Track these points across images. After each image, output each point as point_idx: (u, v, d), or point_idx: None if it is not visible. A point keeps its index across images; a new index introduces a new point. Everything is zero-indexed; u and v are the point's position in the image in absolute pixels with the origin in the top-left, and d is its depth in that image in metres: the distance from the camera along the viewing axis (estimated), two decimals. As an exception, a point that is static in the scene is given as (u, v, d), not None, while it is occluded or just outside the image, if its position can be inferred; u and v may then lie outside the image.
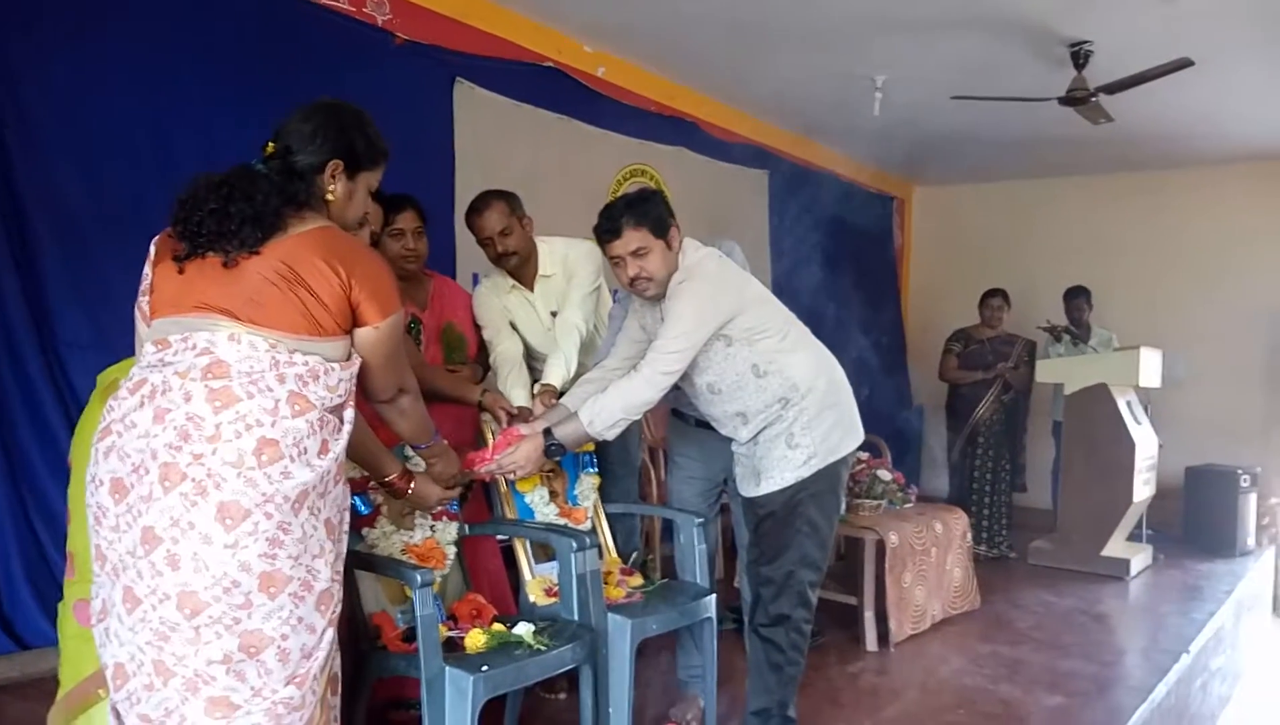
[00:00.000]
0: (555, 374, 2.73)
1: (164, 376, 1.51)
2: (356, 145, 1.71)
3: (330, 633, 1.59)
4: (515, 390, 2.74)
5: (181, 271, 1.58)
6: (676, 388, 2.40)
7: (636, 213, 2.34)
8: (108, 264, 2.92)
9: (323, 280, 1.57)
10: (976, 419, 5.55)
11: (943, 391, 6.05)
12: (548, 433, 2.37)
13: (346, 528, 1.68)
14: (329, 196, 1.69)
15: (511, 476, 2.44)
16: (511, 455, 2.36)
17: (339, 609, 1.62)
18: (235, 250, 1.55)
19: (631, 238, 2.34)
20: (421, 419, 1.96)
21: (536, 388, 2.72)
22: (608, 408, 2.32)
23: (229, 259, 1.55)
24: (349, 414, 1.65)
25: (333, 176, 1.69)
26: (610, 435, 2.37)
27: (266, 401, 1.50)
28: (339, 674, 1.72)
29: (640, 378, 2.33)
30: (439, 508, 2.30)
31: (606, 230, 2.37)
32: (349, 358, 1.65)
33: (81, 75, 2.94)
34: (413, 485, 2.08)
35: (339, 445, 1.60)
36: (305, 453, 1.53)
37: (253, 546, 1.46)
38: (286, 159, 1.66)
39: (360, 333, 1.66)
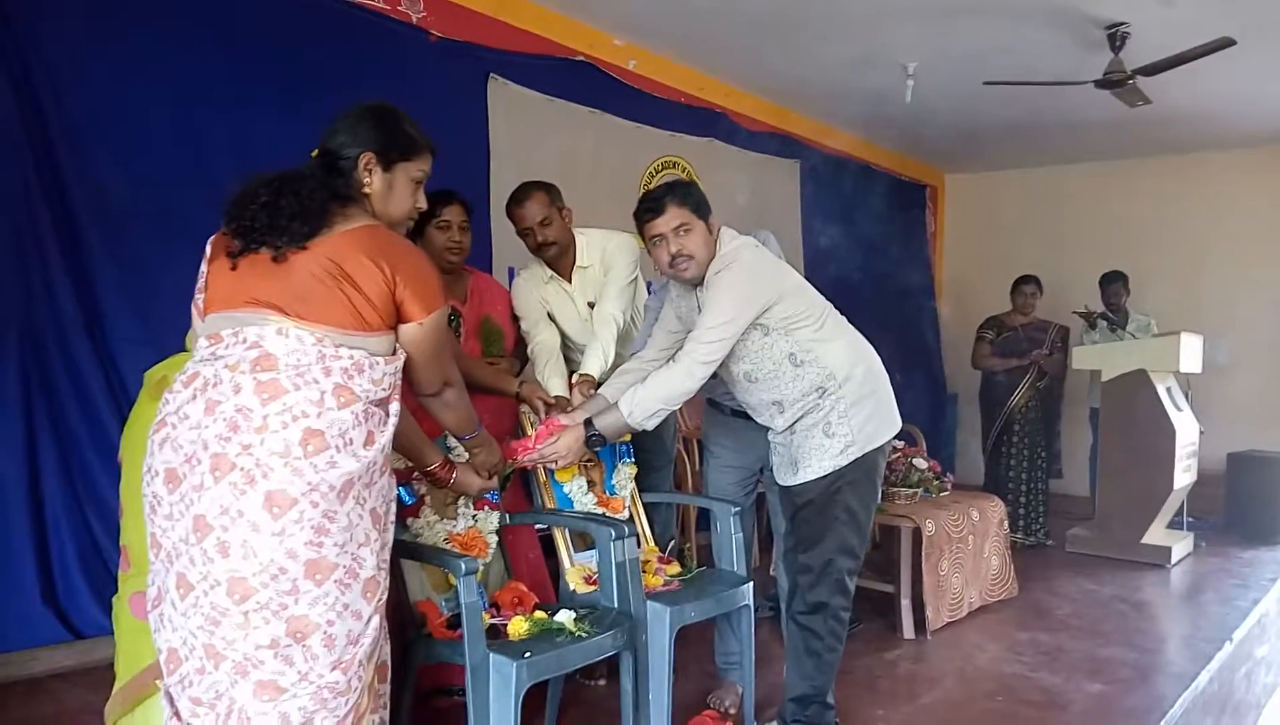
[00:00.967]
0: (593, 364, 2.77)
1: (215, 370, 1.57)
2: (386, 137, 1.75)
3: (377, 619, 1.63)
4: (553, 380, 2.77)
5: (234, 268, 1.63)
6: (713, 377, 2.42)
7: (679, 194, 2.40)
8: (152, 261, 3.00)
9: (368, 277, 1.61)
10: (1012, 406, 5.51)
11: (976, 380, 6.01)
12: (588, 423, 2.40)
13: (393, 518, 1.72)
14: (366, 189, 1.73)
15: (553, 466, 2.49)
16: (553, 445, 2.40)
17: (385, 597, 1.66)
18: (285, 245, 1.60)
19: (675, 215, 2.38)
20: (466, 411, 2.01)
21: (574, 377, 2.76)
22: (647, 398, 2.35)
23: (279, 254, 1.60)
24: (394, 407, 1.69)
25: (367, 169, 1.73)
26: (650, 425, 2.40)
27: (313, 393, 1.55)
28: (388, 662, 1.77)
29: (679, 368, 2.35)
30: (480, 496, 2.35)
31: (648, 209, 2.41)
32: (394, 352, 1.69)
33: (119, 75, 3.01)
34: (455, 475, 2.14)
35: (384, 437, 1.65)
36: (351, 443, 1.57)
37: (299, 534, 1.51)
38: (327, 158, 1.73)
39: (405, 329, 1.70)
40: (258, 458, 1.50)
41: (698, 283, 2.44)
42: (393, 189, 1.77)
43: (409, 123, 1.81)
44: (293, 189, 1.62)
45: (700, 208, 2.40)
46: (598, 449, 2.55)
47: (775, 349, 2.39)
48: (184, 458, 1.54)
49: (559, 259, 2.90)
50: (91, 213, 2.97)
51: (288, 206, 1.60)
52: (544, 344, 2.86)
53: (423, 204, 1.84)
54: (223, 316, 1.62)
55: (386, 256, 1.64)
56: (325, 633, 1.54)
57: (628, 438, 2.78)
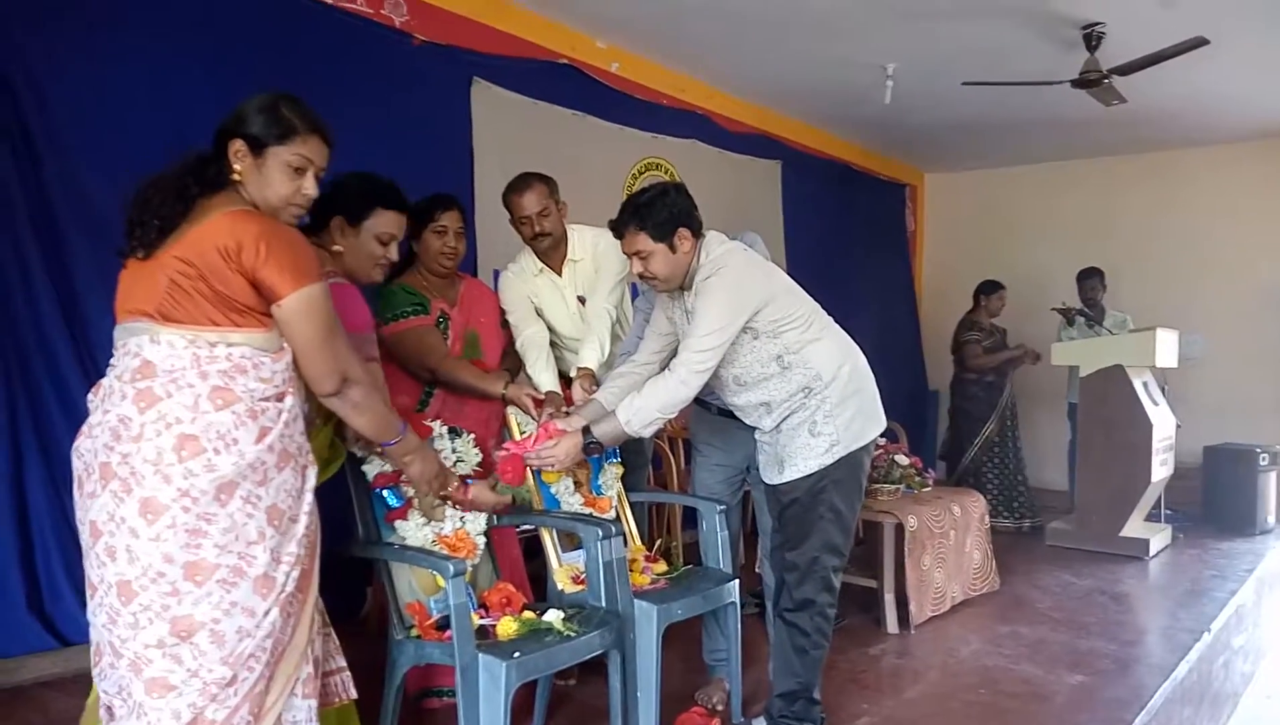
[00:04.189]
0: (590, 356, 2.80)
1: (110, 381, 1.64)
2: (255, 124, 1.71)
3: (275, 613, 1.64)
4: (543, 375, 2.80)
5: (128, 276, 1.68)
6: None
7: (639, 217, 2.38)
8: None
9: (220, 270, 1.60)
10: (1009, 398, 5.76)
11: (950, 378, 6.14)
12: (586, 431, 2.42)
13: (304, 513, 1.71)
14: (236, 175, 1.71)
15: (548, 470, 2.51)
16: (551, 449, 2.42)
17: (288, 591, 1.66)
18: (145, 245, 1.63)
19: (630, 241, 2.41)
20: (381, 414, 1.91)
21: (574, 371, 2.79)
22: (645, 407, 2.37)
23: (147, 254, 1.63)
24: (290, 402, 1.69)
25: (236, 155, 1.71)
26: (647, 433, 2.43)
27: (187, 398, 1.58)
28: (319, 656, 1.81)
29: (675, 378, 2.37)
30: (497, 509, 2.39)
31: (613, 229, 2.45)
32: (282, 348, 1.69)
33: (102, 76, 3.00)
34: (471, 494, 2.22)
35: (277, 432, 1.65)
36: (235, 443, 1.59)
37: (173, 538, 1.55)
38: (215, 146, 1.74)
39: (275, 311, 1.66)
40: (133, 466, 1.56)
41: (683, 289, 2.46)
42: (264, 174, 1.72)
43: (295, 108, 1.75)
44: (159, 184, 1.65)
45: (660, 230, 2.36)
46: (593, 457, 2.57)
47: (763, 352, 2.42)
48: (84, 466, 1.62)
49: (552, 251, 2.93)
50: (72, 213, 2.95)
51: (153, 202, 1.63)
52: (532, 339, 2.88)
53: (310, 190, 1.77)
54: (120, 327, 1.67)
55: (238, 240, 1.60)
56: (212, 630, 1.58)
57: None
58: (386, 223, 2.20)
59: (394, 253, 2.25)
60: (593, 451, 2.46)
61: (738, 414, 2.59)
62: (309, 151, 1.75)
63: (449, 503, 2.24)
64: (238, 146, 1.72)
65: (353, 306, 2.07)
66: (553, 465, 2.45)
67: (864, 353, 2.57)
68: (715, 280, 2.38)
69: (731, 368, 2.46)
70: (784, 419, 2.46)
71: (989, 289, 5.90)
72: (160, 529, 1.55)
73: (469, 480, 2.35)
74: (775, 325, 2.40)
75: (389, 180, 2.22)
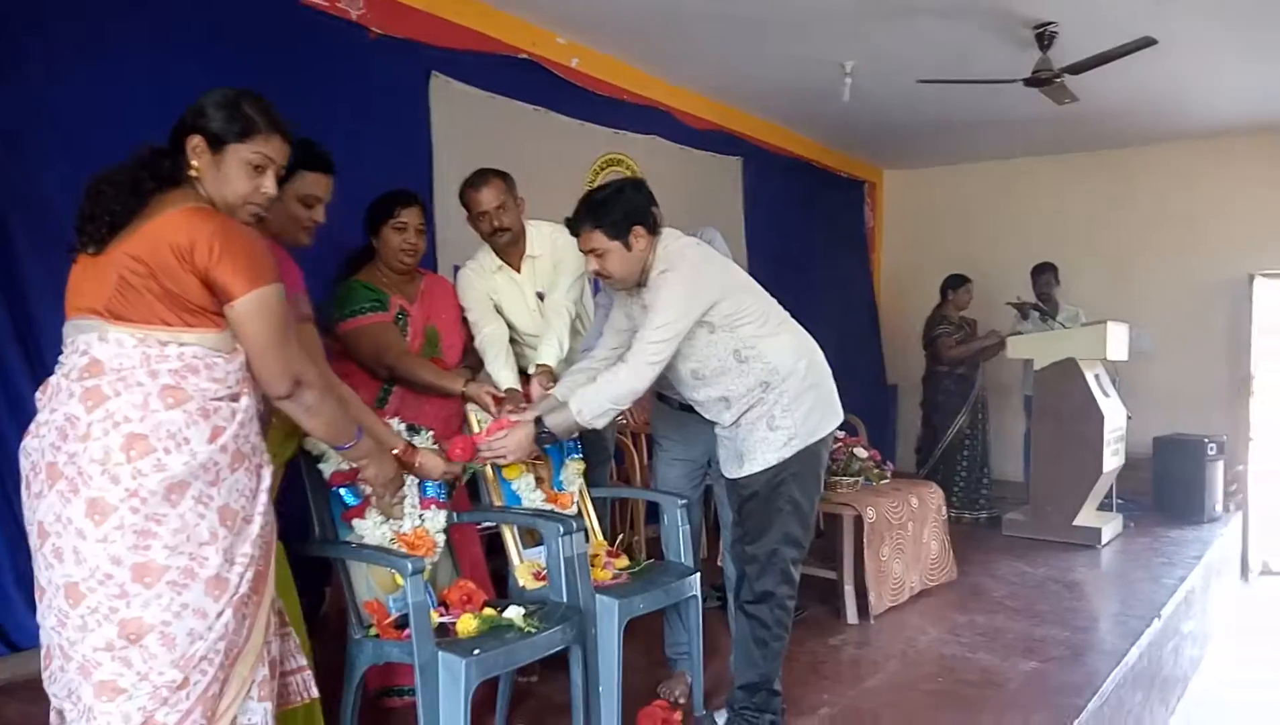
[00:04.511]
0: (549, 353, 2.80)
1: (57, 379, 1.61)
2: (215, 120, 1.68)
3: (229, 614, 1.62)
4: (502, 372, 2.79)
5: (78, 272, 1.65)
6: (662, 376, 2.46)
7: (594, 215, 2.40)
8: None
9: (172, 266, 1.57)
10: (981, 390, 5.89)
11: (916, 371, 6.22)
12: (539, 421, 2.42)
13: (258, 513, 1.69)
14: (193, 172, 1.68)
15: (501, 461, 2.50)
16: (503, 440, 2.42)
17: (242, 592, 1.64)
18: (94, 240, 1.60)
19: (586, 239, 2.42)
20: (335, 417, 1.89)
21: (532, 368, 2.78)
22: (596, 397, 2.38)
23: (98, 250, 1.61)
24: (245, 402, 1.67)
25: (194, 151, 1.68)
26: (599, 424, 2.43)
27: (136, 397, 1.55)
28: (277, 656, 1.79)
29: (627, 368, 2.39)
30: (445, 479, 2.35)
31: (569, 226, 2.47)
32: (235, 349, 1.67)
33: (55, 75, 2.93)
34: (418, 458, 2.21)
35: (231, 432, 1.63)
36: (187, 442, 1.57)
37: (120, 540, 1.53)
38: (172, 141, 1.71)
39: (228, 312, 1.63)
40: (80, 466, 1.53)
41: (638, 286, 2.47)
42: (222, 171, 1.69)
43: (257, 105, 1.72)
44: (112, 178, 1.62)
45: (616, 228, 2.38)
46: (547, 447, 2.56)
47: (720, 346, 2.43)
48: (31, 465, 1.60)
49: (510, 247, 2.91)
50: (24, 218, 2.88)
51: (105, 196, 1.60)
52: (492, 336, 2.85)
53: (269, 189, 1.74)
54: (69, 324, 1.64)
55: (191, 239, 1.57)
56: (162, 633, 1.55)
57: (576, 434, 2.80)
58: (309, 185, 2.16)
59: (320, 215, 2.20)
60: (546, 441, 2.46)
61: (698, 409, 2.60)
62: (270, 150, 1.73)
63: (400, 466, 2.21)
64: (196, 142, 1.68)
65: (283, 268, 2.02)
66: (505, 456, 2.44)
67: (824, 347, 2.60)
68: (670, 275, 2.39)
69: (689, 362, 2.47)
70: (743, 414, 2.47)
71: (955, 283, 5.99)
72: (108, 530, 1.52)
73: (415, 442, 2.32)
74: (731, 320, 2.42)
75: (307, 139, 2.06)
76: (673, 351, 2.39)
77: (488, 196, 2.83)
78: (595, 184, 4.62)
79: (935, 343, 5.90)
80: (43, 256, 2.92)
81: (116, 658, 1.54)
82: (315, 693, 1.93)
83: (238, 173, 1.70)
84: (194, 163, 1.69)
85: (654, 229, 2.45)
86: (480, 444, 2.43)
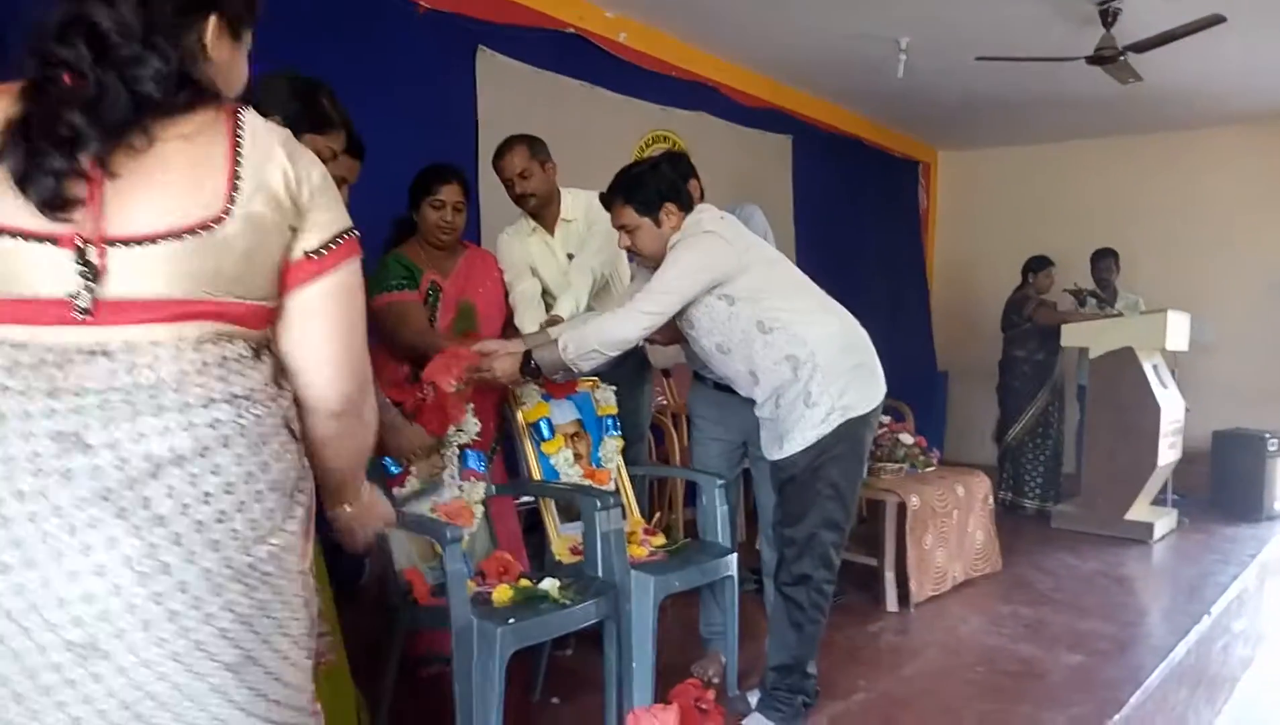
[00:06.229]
0: (565, 307, 2.85)
1: None
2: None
3: None
4: (529, 324, 2.84)
5: None
6: (690, 353, 2.45)
7: (627, 191, 2.44)
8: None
9: None
10: (1059, 376, 5.71)
11: (970, 357, 6.08)
12: (528, 354, 2.44)
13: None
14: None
15: (486, 371, 2.42)
16: (490, 359, 2.41)
17: None
18: None
19: (618, 214, 2.47)
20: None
21: (544, 319, 2.82)
22: (584, 337, 2.39)
23: None
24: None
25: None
26: (585, 366, 2.43)
27: None
28: None
29: (620, 313, 2.41)
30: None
31: (603, 201, 2.51)
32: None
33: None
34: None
35: None
36: None
37: None
38: None
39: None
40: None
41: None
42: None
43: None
44: None
45: (646, 205, 2.42)
46: (532, 381, 2.58)
47: (742, 318, 2.43)
48: None
49: (541, 211, 3.00)
50: None
51: None
52: (524, 293, 2.94)
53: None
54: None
55: None
56: None
57: (612, 410, 2.80)
58: (339, 167, 2.14)
59: (344, 196, 2.20)
60: (531, 374, 2.44)
61: (731, 386, 2.60)
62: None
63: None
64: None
65: None
66: (488, 370, 2.40)
67: (872, 332, 2.56)
68: (681, 245, 2.42)
69: (712, 337, 2.47)
70: (780, 395, 2.44)
71: (1038, 265, 5.79)
72: None
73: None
74: (753, 292, 2.42)
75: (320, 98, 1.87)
76: (671, 310, 2.39)
77: (511, 163, 2.92)
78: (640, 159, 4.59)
79: (1035, 315, 5.65)
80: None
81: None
82: (333, 657, 1.95)
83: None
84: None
85: (688, 206, 2.45)
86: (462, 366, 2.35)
